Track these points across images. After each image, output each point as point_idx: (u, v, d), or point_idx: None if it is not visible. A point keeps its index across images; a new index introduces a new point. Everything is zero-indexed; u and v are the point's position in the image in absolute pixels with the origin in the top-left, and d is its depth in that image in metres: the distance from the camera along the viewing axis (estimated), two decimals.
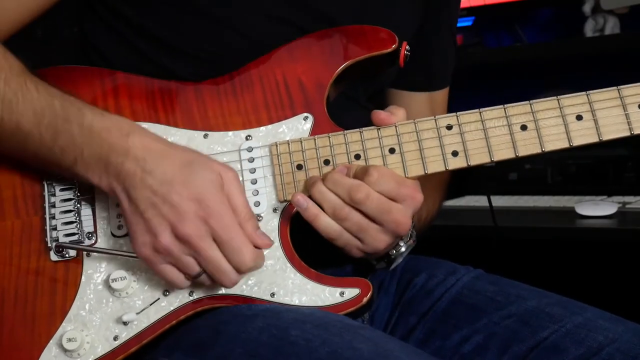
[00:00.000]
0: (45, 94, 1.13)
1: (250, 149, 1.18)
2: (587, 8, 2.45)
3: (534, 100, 1.16)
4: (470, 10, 2.67)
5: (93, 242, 1.17)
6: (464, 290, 1.31)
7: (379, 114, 1.16)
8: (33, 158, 1.15)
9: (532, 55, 2.46)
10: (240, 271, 1.10)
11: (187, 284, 1.12)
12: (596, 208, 2.06)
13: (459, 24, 2.76)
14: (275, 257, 1.15)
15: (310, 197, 1.13)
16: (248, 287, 1.14)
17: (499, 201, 2.31)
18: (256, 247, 1.12)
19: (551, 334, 1.20)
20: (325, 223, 1.12)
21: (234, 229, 1.09)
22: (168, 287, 1.14)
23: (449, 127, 1.16)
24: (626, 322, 1.20)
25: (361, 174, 1.12)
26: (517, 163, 2.36)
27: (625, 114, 1.15)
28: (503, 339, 1.23)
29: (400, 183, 1.12)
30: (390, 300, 1.37)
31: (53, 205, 1.18)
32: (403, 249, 1.20)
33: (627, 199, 2.13)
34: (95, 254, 1.16)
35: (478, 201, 2.32)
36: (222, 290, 1.14)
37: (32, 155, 1.15)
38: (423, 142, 1.16)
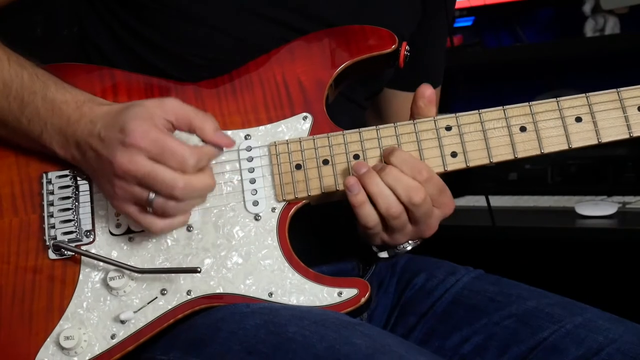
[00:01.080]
0: (16, 66, 1.15)
1: (249, 149, 1.18)
2: (587, 8, 2.45)
3: (534, 102, 1.16)
4: (470, 10, 2.67)
5: (91, 240, 1.17)
6: (463, 291, 1.31)
7: (426, 89, 1.16)
8: (3, 128, 1.17)
9: (532, 55, 2.46)
10: (188, 170, 1.09)
11: (152, 220, 1.11)
12: (596, 208, 2.06)
13: (459, 24, 2.77)
14: (274, 257, 1.15)
15: (363, 185, 1.11)
16: (246, 286, 1.14)
17: (499, 201, 2.31)
18: (219, 147, 1.11)
19: (551, 334, 1.19)
20: (367, 212, 1.12)
21: (162, 138, 1.08)
22: (166, 286, 1.14)
23: (448, 128, 1.16)
24: (626, 322, 1.20)
25: (413, 172, 1.11)
26: (517, 163, 2.34)
27: (625, 117, 1.15)
28: (503, 339, 1.23)
29: (441, 191, 1.14)
30: (390, 300, 1.36)
31: (51, 203, 1.18)
32: (409, 247, 1.20)
33: (627, 199, 2.13)
34: (93, 251, 1.16)
35: (478, 201, 2.32)
36: (220, 290, 1.14)
37: (2, 125, 1.17)
38: (422, 142, 1.16)
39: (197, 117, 1.11)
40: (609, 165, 2.23)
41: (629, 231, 1.97)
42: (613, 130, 1.15)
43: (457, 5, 2.62)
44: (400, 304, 1.35)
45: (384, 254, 1.22)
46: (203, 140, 1.12)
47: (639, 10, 2.40)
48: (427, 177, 1.12)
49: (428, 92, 1.16)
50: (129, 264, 1.15)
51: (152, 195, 1.09)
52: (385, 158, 1.14)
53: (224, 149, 1.14)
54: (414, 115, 1.17)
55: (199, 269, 1.13)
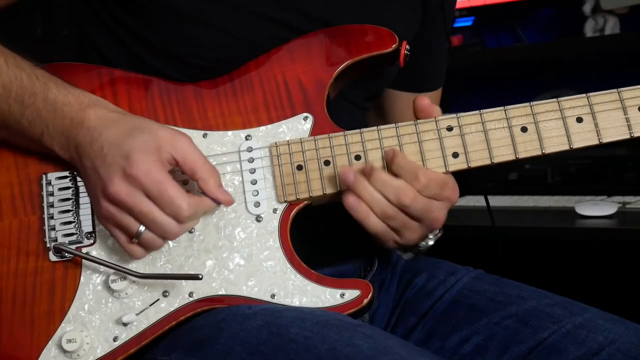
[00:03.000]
0: (14, 67, 1.15)
1: (250, 149, 1.18)
2: (587, 8, 2.45)
3: (535, 102, 1.16)
4: (470, 10, 2.67)
5: (92, 242, 1.17)
6: (464, 291, 1.31)
7: (422, 100, 1.17)
8: (4, 130, 1.17)
9: (532, 55, 2.47)
10: (180, 221, 1.10)
11: (135, 249, 1.12)
12: (596, 208, 2.06)
13: (459, 24, 2.77)
14: (276, 258, 1.15)
15: (356, 193, 1.13)
16: (248, 288, 1.14)
17: (499, 201, 2.31)
18: (218, 202, 1.13)
19: (551, 335, 1.19)
20: (374, 222, 1.13)
21: (164, 182, 1.09)
22: (168, 288, 1.14)
23: (450, 129, 1.16)
24: (626, 322, 1.20)
25: (410, 177, 1.13)
26: (517, 163, 2.35)
27: (626, 117, 1.15)
28: (503, 339, 1.23)
29: (443, 187, 1.14)
30: (391, 300, 1.36)
31: (51, 205, 1.18)
32: (431, 242, 1.21)
33: (627, 199, 2.13)
34: (94, 253, 1.16)
35: (478, 201, 2.32)
36: (222, 291, 1.14)
37: (3, 127, 1.16)
38: (423, 143, 1.16)
39: (204, 169, 1.12)
40: (609, 165, 2.23)
41: (629, 231, 1.97)
42: (614, 131, 1.15)
43: (457, 5, 2.61)
44: (401, 304, 1.35)
45: (408, 255, 1.23)
46: (202, 192, 1.12)
47: (639, 10, 2.40)
48: (425, 183, 1.13)
49: (425, 103, 1.17)
50: (130, 266, 1.15)
51: (142, 228, 1.10)
52: (387, 163, 1.15)
53: (223, 147, 1.15)
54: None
55: (200, 276, 1.12)
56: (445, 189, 1.15)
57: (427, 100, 1.17)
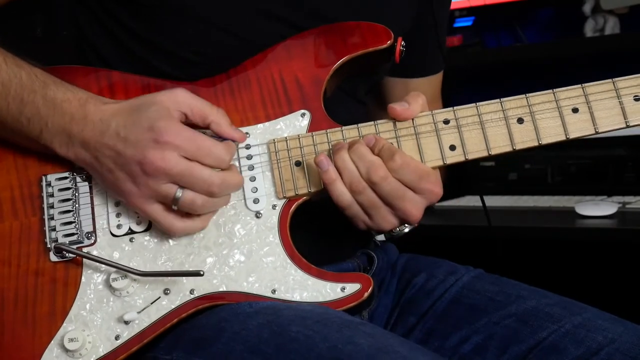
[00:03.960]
0: (13, 66, 1.15)
1: (248, 147, 1.19)
2: (587, 8, 2.45)
3: (530, 94, 1.17)
4: (470, 10, 2.67)
5: (92, 242, 1.17)
6: (463, 290, 1.31)
7: (394, 109, 1.17)
8: (2, 129, 1.17)
9: (532, 55, 2.46)
10: (224, 165, 1.12)
11: (173, 219, 1.12)
12: (596, 208, 2.06)
13: (459, 24, 2.77)
14: (276, 254, 1.15)
15: (333, 160, 1.13)
16: (249, 284, 1.14)
17: (499, 201, 2.31)
18: (234, 140, 1.14)
19: (550, 334, 1.19)
20: (339, 191, 1.13)
21: (196, 137, 1.10)
22: (169, 286, 1.14)
23: (446, 122, 1.17)
24: (626, 322, 1.20)
25: (386, 156, 1.13)
26: (516, 163, 2.36)
27: (621, 107, 1.15)
28: (502, 339, 1.23)
29: (421, 177, 1.14)
30: (390, 300, 1.37)
31: (51, 206, 1.18)
32: (406, 230, 1.20)
33: (627, 199, 2.13)
34: (95, 253, 1.16)
35: (478, 201, 2.31)
36: (223, 288, 1.14)
37: (1, 125, 1.16)
38: (420, 136, 1.17)
39: (213, 112, 1.13)
40: (609, 165, 2.23)
41: (629, 231, 1.97)
42: (609, 120, 1.16)
43: (457, 5, 2.62)
44: (401, 304, 1.35)
45: (380, 237, 1.23)
46: (218, 135, 1.13)
47: (639, 10, 2.40)
48: (400, 164, 1.12)
49: (398, 110, 1.16)
50: (131, 265, 1.15)
51: (179, 192, 1.10)
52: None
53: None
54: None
55: (201, 272, 1.13)
56: (425, 180, 1.14)
57: (398, 109, 1.16)
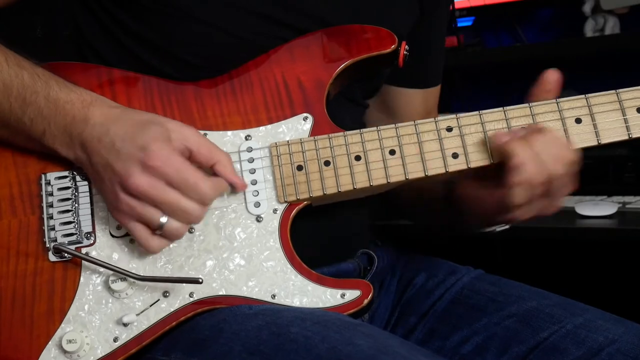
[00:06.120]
0: (15, 66, 1.15)
1: (249, 149, 1.18)
2: (587, 8, 2.45)
3: (534, 103, 1.17)
4: (470, 10, 2.67)
5: (92, 242, 1.17)
6: (464, 291, 1.31)
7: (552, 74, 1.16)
8: (4, 129, 1.17)
9: (532, 55, 2.46)
10: (205, 203, 1.11)
11: (155, 241, 1.12)
12: (596, 208, 2.06)
13: (459, 24, 2.76)
14: (276, 259, 1.15)
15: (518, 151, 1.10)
16: (248, 288, 1.14)
17: None
18: (234, 186, 1.13)
19: (551, 335, 1.20)
20: (521, 190, 1.11)
21: (186, 168, 1.09)
22: (168, 289, 1.14)
23: (449, 129, 1.16)
24: (626, 322, 1.20)
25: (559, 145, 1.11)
26: None
27: (624, 118, 1.15)
28: (503, 339, 1.23)
29: (572, 162, 1.13)
30: (391, 300, 1.37)
31: (51, 205, 1.17)
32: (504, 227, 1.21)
33: (627, 199, 2.13)
34: (94, 253, 1.16)
35: None
36: (223, 292, 1.14)
37: (3, 126, 1.16)
38: (423, 143, 1.16)
39: (220, 154, 1.12)
40: (609, 165, 2.23)
41: (629, 231, 1.96)
42: (612, 132, 1.15)
43: (457, 5, 2.62)
44: (401, 304, 1.35)
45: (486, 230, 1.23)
46: (219, 175, 1.13)
47: (639, 10, 2.40)
48: (573, 159, 1.11)
49: (555, 77, 1.16)
50: (130, 267, 1.15)
51: (163, 219, 1.10)
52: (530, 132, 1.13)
53: (223, 147, 1.15)
54: (533, 96, 1.17)
55: (200, 280, 1.12)
56: (573, 165, 1.13)
57: (557, 75, 1.16)
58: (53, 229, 1.17)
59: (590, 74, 2.45)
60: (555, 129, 1.14)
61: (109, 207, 1.14)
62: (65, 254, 1.15)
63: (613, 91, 1.16)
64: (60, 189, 1.18)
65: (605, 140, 1.15)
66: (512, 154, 1.10)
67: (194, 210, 1.10)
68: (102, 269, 1.15)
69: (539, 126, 1.13)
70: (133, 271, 1.14)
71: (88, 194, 1.18)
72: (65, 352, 1.12)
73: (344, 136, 1.17)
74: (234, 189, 1.15)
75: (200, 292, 1.14)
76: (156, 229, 1.10)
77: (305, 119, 1.19)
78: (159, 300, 1.14)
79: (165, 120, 1.12)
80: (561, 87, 1.16)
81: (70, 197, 1.18)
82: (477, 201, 1.18)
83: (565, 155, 1.11)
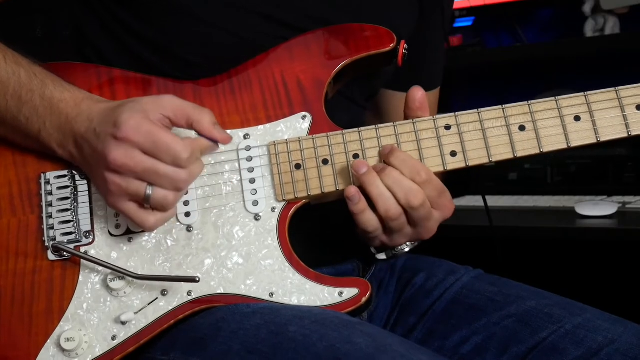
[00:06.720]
0: (13, 64, 1.15)
1: (248, 148, 1.18)
2: (587, 8, 2.45)
3: (532, 101, 1.16)
4: (470, 10, 2.67)
5: (90, 241, 1.17)
6: (463, 291, 1.31)
7: (416, 92, 1.16)
8: (2, 127, 1.17)
9: (532, 55, 2.46)
10: (182, 165, 1.09)
11: (147, 216, 1.11)
12: (596, 208, 2.06)
13: (459, 24, 2.77)
14: (274, 257, 1.15)
15: (363, 186, 1.12)
16: (247, 286, 1.14)
17: (499, 201, 2.31)
18: (215, 141, 1.12)
19: (550, 335, 1.19)
20: (367, 218, 1.13)
21: (154, 132, 1.08)
22: (166, 287, 1.14)
23: (448, 127, 1.16)
24: (626, 322, 1.20)
25: (412, 173, 1.12)
26: (516, 163, 2.36)
27: (623, 115, 1.15)
28: (502, 339, 1.22)
29: (441, 193, 1.14)
30: (390, 300, 1.36)
31: (50, 204, 1.18)
32: (407, 249, 1.20)
33: (627, 199, 2.13)
34: (92, 252, 1.16)
35: (478, 201, 2.31)
36: (221, 290, 1.14)
37: (0, 123, 1.16)
38: (421, 142, 1.16)
39: (195, 111, 1.11)
40: (609, 165, 2.23)
41: (629, 231, 1.97)
42: (612, 129, 1.15)
43: (457, 5, 2.62)
44: (400, 304, 1.35)
45: (381, 256, 1.23)
46: (199, 134, 1.11)
47: (639, 10, 2.40)
48: (426, 179, 1.12)
49: (419, 95, 1.16)
50: (128, 265, 1.15)
51: (149, 190, 1.09)
52: (384, 157, 1.14)
53: (222, 146, 1.14)
54: (407, 118, 1.18)
55: (197, 279, 1.12)
56: (443, 197, 1.15)
57: (421, 93, 1.16)
58: (52, 227, 1.17)
59: (590, 74, 2.45)
60: (409, 153, 1.14)
61: (103, 196, 1.14)
62: (64, 253, 1.15)
63: (612, 89, 1.16)
64: (59, 188, 1.18)
65: (604, 137, 1.15)
66: (365, 189, 1.12)
67: (174, 173, 1.08)
68: (100, 268, 1.15)
69: (393, 154, 1.13)
70: (131, 270, 1.14)
71: (87, 193, 1.18)
72: (63, 350, 1.12)
73: (342, 135, 1.17)
74: (217, 144, 1.13)
75: (199, 290, 1.14)
76: (145, 202, 1.10)
77: (303, 117, 1.19)
78: (157, 298, 1.14)
79: (140, 97, 1.12)
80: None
81: (69, 196, 1.18)
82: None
83: (417, 189, 1.12)
